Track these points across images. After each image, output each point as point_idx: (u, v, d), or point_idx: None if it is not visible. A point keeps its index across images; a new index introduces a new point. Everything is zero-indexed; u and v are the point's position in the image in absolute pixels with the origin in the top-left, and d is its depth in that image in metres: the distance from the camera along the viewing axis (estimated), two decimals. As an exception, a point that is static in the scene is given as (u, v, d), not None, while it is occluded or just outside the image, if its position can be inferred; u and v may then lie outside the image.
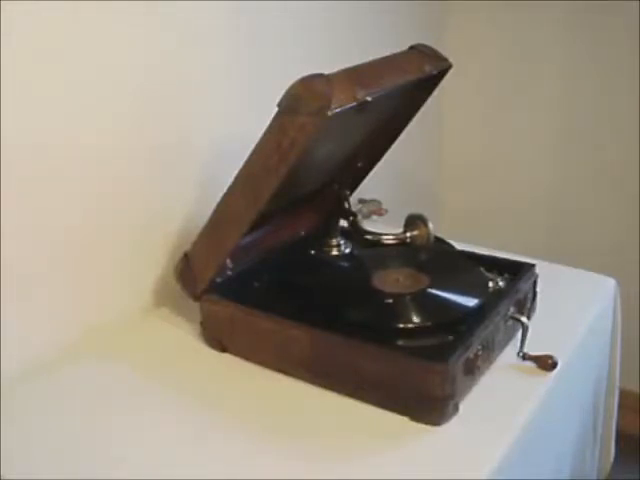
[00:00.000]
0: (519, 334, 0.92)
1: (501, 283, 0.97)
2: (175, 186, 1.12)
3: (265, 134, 0.86)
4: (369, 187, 1.19)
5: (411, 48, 1.02)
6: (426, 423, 0.81)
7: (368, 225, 1.10)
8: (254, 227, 0.93)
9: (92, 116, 0.98)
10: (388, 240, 1.03)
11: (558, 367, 0.90)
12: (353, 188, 1.16)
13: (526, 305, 0.99)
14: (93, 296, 1.03)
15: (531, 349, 0.91)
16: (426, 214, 1.01)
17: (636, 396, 1.74)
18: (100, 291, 1.04)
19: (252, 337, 0.94)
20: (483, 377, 0.88)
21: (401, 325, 0.88)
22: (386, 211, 1.22)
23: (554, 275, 1.08)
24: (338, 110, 0.82)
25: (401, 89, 0.96)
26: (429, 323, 0.88)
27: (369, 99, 0.87)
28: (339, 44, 1.41)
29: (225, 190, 0.92)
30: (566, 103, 1.73)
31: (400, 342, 0.86)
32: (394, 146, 1.14)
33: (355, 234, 1.09)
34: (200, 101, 1.14)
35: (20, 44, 0.87)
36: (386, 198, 1.23)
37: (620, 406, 1.23)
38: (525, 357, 0.91)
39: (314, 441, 0.81)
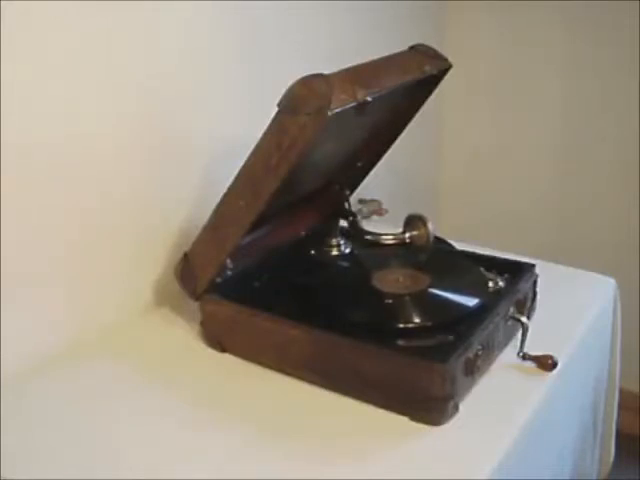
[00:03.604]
0: (519, 334, 0.92)
1: (501, 283, 0.97)
2: (175, 186, 1.12)
3: (265, 134, 0.86)
4: (369, 187, 1.19)
5: (411, 48, 1.02)
6: (426, 423, 0.81)
7: (368, 225, 1.10)
8: (254, 227, 0.93)
9: (92, 116, 0.98)
10: (388, 240, 1.03)
11: (558, 367, 0.90)
12: (353, 188, 1.16)
13: (526, 305, 0.99)
14: (93, 296, 1.03)
15: (531, 349, 0.91)
16: (426, 214, 1.01)
17: (636, 396, 1.74)
18: (100, 291, 1.04)
19: (252, 337, 0.94)
20: (483, 377, 0.88)
21: (401, 325, 0.88)
22: (386, 211, 1.22)
23: (554, 275, 1.08)
24: (338, 110, 0.82)
25: (401, 89, 0.96)
26: (429, 323, 0.88)
27: (369, 99, 0.87)
28: (339, 44, 1.41)
29: (225, 190, 0.93)
30: (566, 103, 1.73)
31: (400, 342, 0.86)
32: (394, 146, 1.14)
33: (355, 234, 1.09)
34: (200, 101, 1.14)
35: (20, 44, 0.87)
36: (386, 198, 1.23)
37: (620, 406, 1.22)
38: (525, 357, 0.91)
39: (314, 441, 0.81)
